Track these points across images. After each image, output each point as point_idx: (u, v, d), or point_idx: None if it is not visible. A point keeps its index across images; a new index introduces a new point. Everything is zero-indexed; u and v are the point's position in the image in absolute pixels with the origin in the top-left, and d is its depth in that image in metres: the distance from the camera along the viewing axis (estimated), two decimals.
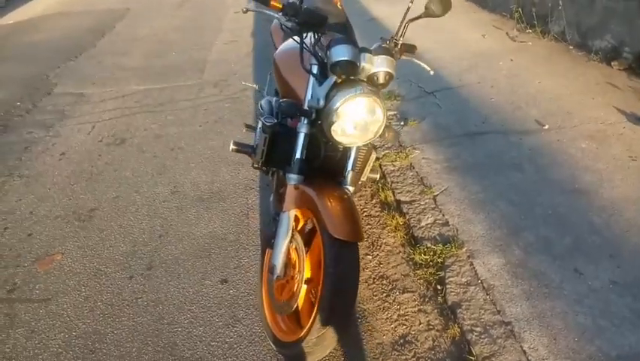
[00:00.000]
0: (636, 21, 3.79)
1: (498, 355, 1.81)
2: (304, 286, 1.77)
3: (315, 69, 1.77)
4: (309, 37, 1.80)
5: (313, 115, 1.76)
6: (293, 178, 1.80)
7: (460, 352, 1.90)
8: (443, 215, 2.54)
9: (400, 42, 1.84)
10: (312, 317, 1.67)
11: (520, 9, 5.35)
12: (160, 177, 3.23)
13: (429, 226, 2.48)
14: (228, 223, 2.76)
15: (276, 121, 1.90)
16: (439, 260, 2.27)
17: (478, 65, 4.25)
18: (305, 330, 1.70)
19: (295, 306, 1.78)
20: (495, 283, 2.11)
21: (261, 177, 3.13)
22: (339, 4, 2.97)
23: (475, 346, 1.87)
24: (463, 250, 2.30)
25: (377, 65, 1.68)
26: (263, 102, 2.11)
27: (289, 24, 1.77)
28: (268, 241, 2.01)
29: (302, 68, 1.79)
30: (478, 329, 1.93)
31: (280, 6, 1.71)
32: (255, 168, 2.02)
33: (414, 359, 1.91)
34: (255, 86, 3.37)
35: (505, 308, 1.99)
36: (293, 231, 1.84)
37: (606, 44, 4.13)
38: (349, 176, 1.87)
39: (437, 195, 2.68)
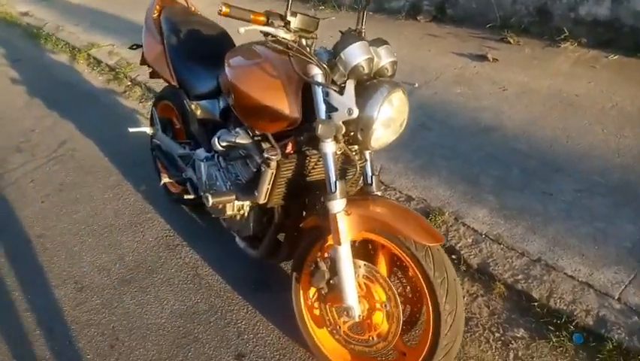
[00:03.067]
0: None
1: (556, 289, 1.94)
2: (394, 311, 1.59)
3: (319, 78, 1.55)
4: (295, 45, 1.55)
5: (343, 129, 1.54)
6: (338, 204, 1.56)
7: (520, 303, 1.97)
8: (401, 192, 2.55)
9: (364, 31, 1.73)
10: (432, 336, 1.52)
11: None
12: (47, 278, 2.45)
13: None
14: (184, 293, 2.28)
15: (279, 152, 1.63)
16: None
17: None
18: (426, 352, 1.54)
19: (396, 334, 1.59)
20: (498, 231, 2.23)
21: (181, 226, 2.67)
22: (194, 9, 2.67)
23: (532, 291, 1.96)
24: (446, 215, 2.36)
25: (384, 57, 1.56)
26: (226, 136, 1.81)
27: (281, 34, 1.50)
28: (319, 288, 1.72)
29: (286, 81, 1.62)
30: (519, 276, 2.03)
31: (264, 18, 1.47)
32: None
33: (486, 330, 1.91)
34: (147, 129, 2.78)
35: (525, 248, 2.13)
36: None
37: (404, 3, 4.64)
38: (375, 180, 1.72)
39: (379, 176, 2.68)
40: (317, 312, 1.85)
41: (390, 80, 1.56)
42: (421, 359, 1.57)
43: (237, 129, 1.86)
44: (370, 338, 1.64)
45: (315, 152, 1.73)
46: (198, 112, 2.17)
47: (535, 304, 1.94)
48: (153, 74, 2.81)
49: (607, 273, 1.95)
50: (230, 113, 2.01)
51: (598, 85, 3.04)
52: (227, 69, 1.85)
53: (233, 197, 1.85)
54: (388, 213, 1.57)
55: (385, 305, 1.60)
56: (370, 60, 1.50)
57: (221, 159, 2.05)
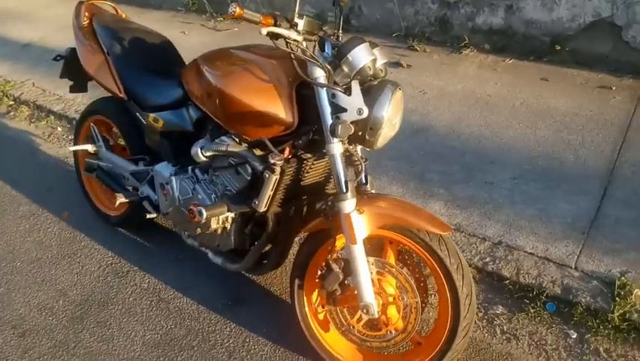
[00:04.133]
0: None
1: (521, 266, 2.15)
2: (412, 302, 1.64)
3: (323, 80, 1.57)
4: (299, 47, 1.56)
5: (344, 131, 1.56)
6: (351, 204, 1.59)
7: (493, 283, 2.15)
8: None
9: (342, 36, 1.78)
10: (451, 320, 1.60)
11: (195, 1, 5.49)
12: None
13: None
14: (152, 321, 2.11)
15: (284, 157, 1.61)
16: None
17: None
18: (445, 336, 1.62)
19: (415, 324, 1.64)
20: (457, 220, 2.41)
21: (126, 250, 2.46)
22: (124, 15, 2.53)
23: (502, 270, 2.15)
24: None
25: (379, 58, 1.63)
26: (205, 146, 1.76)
27: (293, 36, 1.51)
28: (326, 294, 1.71)
29: (279, 84, 1.64)
30: (487, 259, 2.21)
31: (272, 20, 1.47)
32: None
33: None
34: (88, 147, 2.48)
35: (485, 233, 2.32)
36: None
37: (310, 15, 4.76)
38: (369, 180, 1.78)
39: None
40: (321, 316, 1.84)
41: (391, 80, 1.62)
42: (440, 344, 1.64)
43: (223, 138, 1.79)
44: (388, 333, 1.68)
45: (309, 155, 1.73)
46: (159, 124, 2.03)
47: (507, 282, 2.12)
48: (74, 88, 2.56)
49: (559, 247, 2.21)
50: (204, 122, 1.92)
51: (504, 86, 3.42)
52: (208, 75, 1.77)
53: (225, 208, 1.77)
54: (398, 208, 1.63)
55: (402, 297, 1.64)
56: (374, 61, 1.56)
57: (198, 171, 1.94)
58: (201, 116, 1.91)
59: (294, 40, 1.51)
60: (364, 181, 1.76)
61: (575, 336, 1.94)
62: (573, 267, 2.12)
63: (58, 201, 2.88)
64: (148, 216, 2.21)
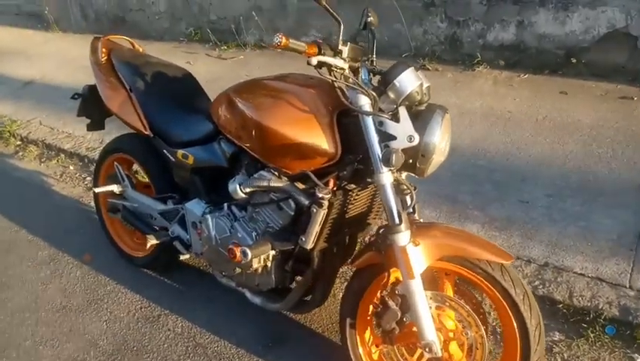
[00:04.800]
0: None
1: (573, 288, 2.06)
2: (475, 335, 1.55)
3: (368, 108, 1.51)
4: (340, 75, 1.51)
5: (398, 159, 1.49)
6: (405, 237, 1.51)
7: (546, 308, 2.06)
8: None
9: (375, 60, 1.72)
10: (521, 353, 1.51)
11: (198, 30, 5.48)
12: None
13: None
14: None
15: (330, 189, 1.55)
16: None
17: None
18: None
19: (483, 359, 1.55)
20: (497, 242, 2.32)
21: (155, 293, 2.36)
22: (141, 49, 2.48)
23: (554, 294, 2.06)
24: None
25: (425, 82, 1.58)
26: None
27: (340, 64, 1.46)
28: (382, 333, 1.62)
29: (319, 114, 1.59)
30: (536, 282, 2.12)
31: (316, 49, 1.44)
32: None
33: None
34: (114, 188, 2.39)
35: (529, 255, 2.24)
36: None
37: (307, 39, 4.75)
38: (417, 208, 1.71)
39: None
40: (375, 356, 1.74)
41: (439, 104, 1.56)
42: None
43: (262, 173, 1.71)
44: None
45: (353, 186, 1.66)
46: (189, 161, 1.95)
47: (560, 306, 2.04)
48: (91, 126, 2.50)
49: (609, 265, 2.13)
50: (239, 157, 1.84)
51: (523, 101, 3.38)
52: (242, 107, 1.71)
53: (269, 247, 1.69)
54: (454, 237, 1.56)
55: (466, 332, 1.55)
56: (421, 86, 1.50)
57: (235, 208, 1.86)
58: (235, 150, 1.84)
59: (341, 68, 1.46)
60: (412, 210, 1.68)
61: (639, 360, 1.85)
62: (627, 286, 2.03)
63: (78, 243, 2.78)
64: (181, 257, 2.12)
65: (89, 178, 3.42)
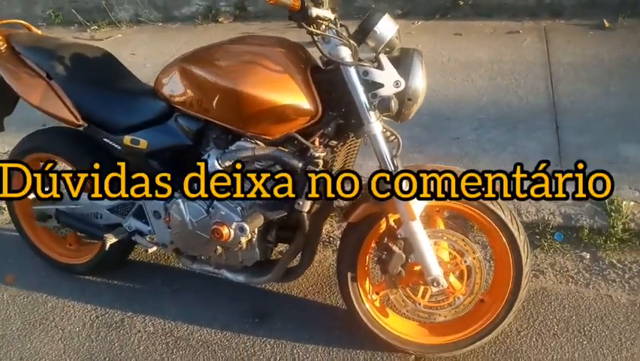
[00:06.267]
0: None
1: (519, 207, 2.27)
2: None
3: (349, 58, 1.50)
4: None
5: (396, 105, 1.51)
6: None
7: None
8: None
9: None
10: (513, 272, 1.66)
11: (59, 12, 4.92)
12: None
13: None
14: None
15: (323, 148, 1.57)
16: None
17: None
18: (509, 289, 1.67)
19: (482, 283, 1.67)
20: None
21: (108, 299, 2.16)
22: None
23: None
24: None
25: None
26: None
27: (329, 15, 1.43)
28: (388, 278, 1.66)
29: (295, 72, 1.55)
30: None
31: (298, 3, 1.37)
32: None
33: None
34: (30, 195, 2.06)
35: None
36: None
37: (196, 8, 4.51)
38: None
39: None
40: (377, 304, 1.79)
41: (412, 48, 1.60)
42: (506, 297, 1.67)
43: (239, 143, 1.63)
44: (455, 300, 1.67)
45: (335, 142, 1.65)
46: (142, 146, 1.77)
47: None
48: None
49: None
50: (204, 131, 1.72)
51: (425, 46, 3.55)
52: (205, 77, 1.59)
53: (262, 218, 1.63)
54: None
55: (464, 260, 1.65)
56: (399, 31, 1.52)
57: None
58: (199, 125, 1.70)
59: (328, 19, 1.42)
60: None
61: (588, 257, 2.12)
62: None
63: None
64: (149, 250, 1.95)
65: None
